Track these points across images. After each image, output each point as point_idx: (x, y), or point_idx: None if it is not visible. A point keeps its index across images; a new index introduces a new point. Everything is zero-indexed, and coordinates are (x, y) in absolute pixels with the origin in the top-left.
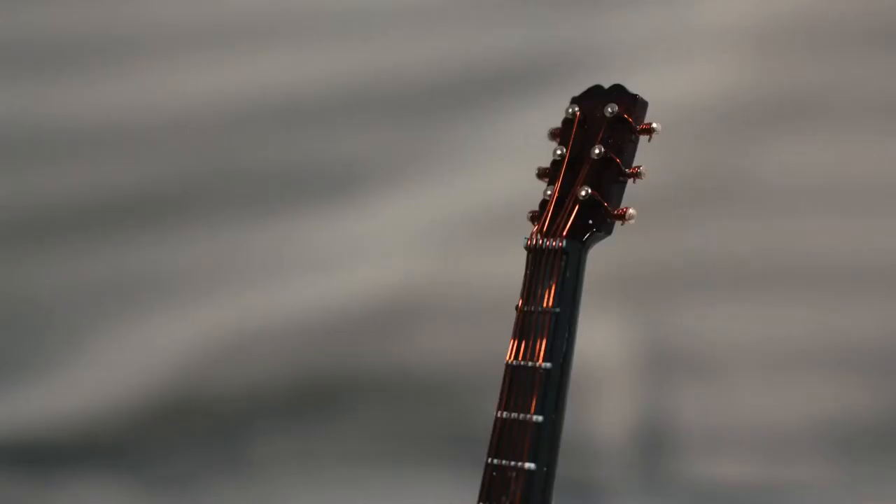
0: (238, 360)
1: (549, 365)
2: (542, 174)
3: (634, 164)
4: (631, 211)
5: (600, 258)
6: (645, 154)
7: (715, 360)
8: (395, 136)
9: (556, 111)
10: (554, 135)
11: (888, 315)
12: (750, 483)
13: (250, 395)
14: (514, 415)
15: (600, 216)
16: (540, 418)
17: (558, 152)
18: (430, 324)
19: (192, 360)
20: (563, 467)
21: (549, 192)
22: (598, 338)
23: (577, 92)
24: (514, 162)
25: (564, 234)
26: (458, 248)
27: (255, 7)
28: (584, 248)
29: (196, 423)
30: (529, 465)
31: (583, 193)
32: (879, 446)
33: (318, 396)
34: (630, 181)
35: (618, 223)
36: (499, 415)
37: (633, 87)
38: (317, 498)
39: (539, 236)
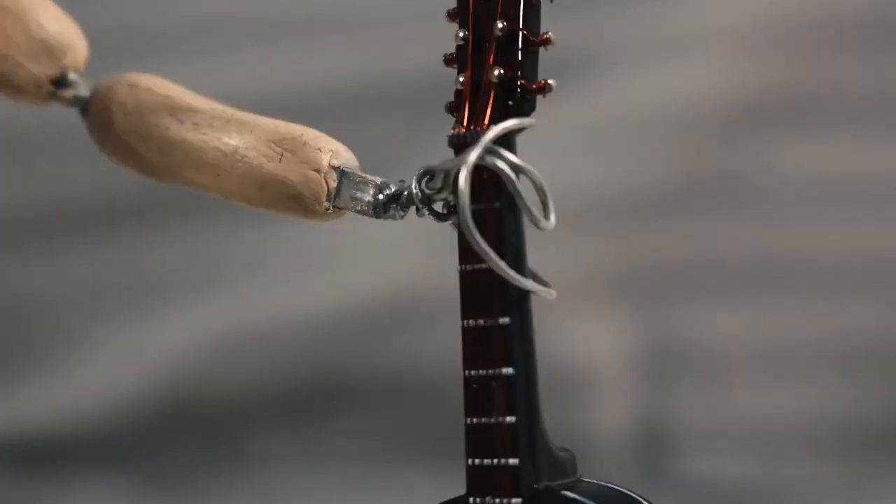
0: (237, 359)
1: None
2: (449, 61)
3: (542, 30)
4: (550, 82)
5: (601, 257)
6: (645, 153)
7: (715, 360)
8: (394, 135)
9: (558, 111)
10: (451, 16)
11: (888, 315)
12: (750, 482)
13: (249, 394)
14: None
15: (519, 95)
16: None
17: (461, 35)
18: (429, 323)
19: (192, 360)
20: None
21: (462, 80)
22: (598, 337)
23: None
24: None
25: (486, 122)
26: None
27: (256, 7)
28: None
29: (195, 423)
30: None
31: (495, 74)
32: (879, 446)
33: (317, 396)
34: (542, 49)
35: (539, 97)
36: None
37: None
38: (317, 498)
39: (460, 127)
